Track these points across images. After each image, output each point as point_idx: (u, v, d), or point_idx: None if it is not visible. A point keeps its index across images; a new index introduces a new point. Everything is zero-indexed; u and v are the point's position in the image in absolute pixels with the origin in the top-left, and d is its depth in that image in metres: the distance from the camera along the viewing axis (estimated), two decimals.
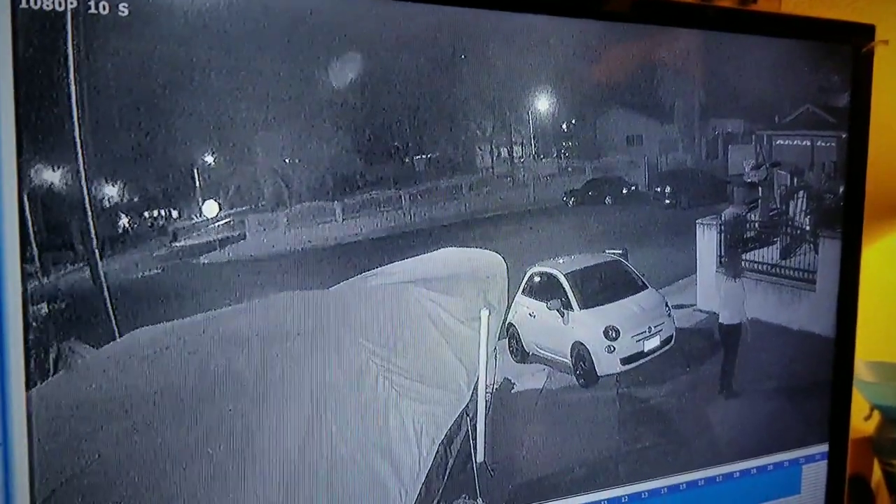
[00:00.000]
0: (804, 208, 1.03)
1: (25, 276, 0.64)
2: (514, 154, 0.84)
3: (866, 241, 1.09)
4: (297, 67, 0.72)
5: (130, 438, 0.68)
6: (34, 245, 0.64)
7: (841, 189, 1.05)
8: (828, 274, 1.06)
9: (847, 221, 1.06)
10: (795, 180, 1.02)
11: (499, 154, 0.83)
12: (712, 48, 0.94)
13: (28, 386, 0.65)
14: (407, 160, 0.78)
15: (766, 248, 1.02)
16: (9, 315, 0.63)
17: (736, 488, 1.03)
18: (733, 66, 0.96)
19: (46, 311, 0.65)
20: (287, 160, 0.72)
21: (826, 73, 1.02)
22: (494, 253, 0.84)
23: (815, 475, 1.09)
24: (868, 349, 1.16)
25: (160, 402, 0.69)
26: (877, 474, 1.42)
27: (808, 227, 1.04)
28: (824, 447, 1.10)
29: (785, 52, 0.99)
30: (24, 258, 0.64)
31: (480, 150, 0.82)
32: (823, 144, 1.03)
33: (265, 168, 0.72)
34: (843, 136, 1.04)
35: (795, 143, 1.02)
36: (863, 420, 1.33)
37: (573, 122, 0.86)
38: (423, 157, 0.79)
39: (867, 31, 1.03)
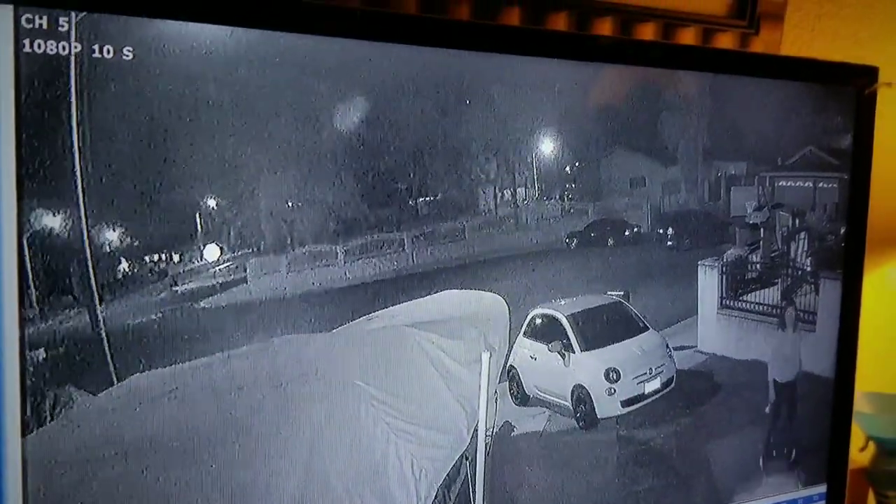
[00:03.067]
0: (805, 249, 1.03)
1: (24, 321, 0.63)
2: (517, 196, 0.84)
3: (866, 273, 1.10)
4: (300, 111, 0.72)
5: (128, 485, 0.68)
6: (33, 289, 0.63)
7: (842, 230, 1.05)
8: (828, 315, 1.07)
9: (848, 263, 1.06)
10: (797, 222, 1.03)
11: (502, 196, 0.83)
12: (715, 90, 0.94)
13: (24, 433, 0.64)
14: (410, 202, 0.78)
15: (767, 289, 1.02)
16: (6, 360, 0.63)
17: None
18: (736, 108, 0.96)
19: (44, 356, 0.64)
20: (289, 203, 0.72)
21: (829, 115, 1.03)
22: (496, 295, 0.84)
23: None
24: (864, 380, 1.16)
25: (159, 448, 0.69)
26: None
27: (809, 268, 1.04)
28: (822, 488, 1.10)
29: (788, 94, 1.00)
30: (23, 303, 0.63)
31: (484, 192, 0.82)
32: (825, 186, 1.03)
33: (267, 212, 0.71)
34: (845, 177, 1.04)
35: (797, 184, 1.02)
36: (858, 451, 1.34)
37: (576, 164, 0.86)
38: (426, 199, 0.78)
39: (870, 73, 1.04)
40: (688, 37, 1.27)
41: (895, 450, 1.35)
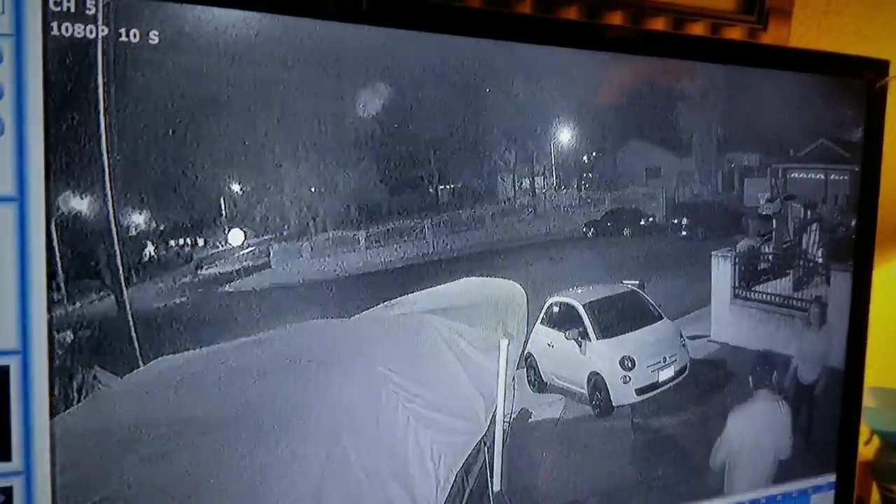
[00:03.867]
0: (817, 240, 1.05)
1: (51, 304, 0.64)
2: (536, 185, 0.85)
3: (875, 267, 1.11)
4: (323, 97, 0.73)
5: (152, 466, 0.68)
6: (60, 273, 0.64)
7: (852, 222, 1.06)
8: (838, 305, 1.08)
9: (858, 254, 1.08)
10: (809, 213, 1.04)
11: (521, 185, 0.84)
12: (730, 83, 0.96)
13: (52, 414, 0.65)
14: (430, 190, 0.79)
15: (778, 280, 1.03)
16: (34, 343, 0.64)
17: None
18: (750, 100, 0.98)
19: (71, 338, 0.65)
20: (313, 189, 0.73)
21: (840, 108, 1.04)
22: (514, 283, 0.86)
23: None
24: (870, 374, 1.17)
25: (182, 429, 0.69)
26: (874, 499, 1.45)
27: (820, 260, 1.05)
28: (832, 477, 1.12)
29: (800, 87, 1.01)
30: (51, 286, 0.64)
31: (503, 180, 0.83)
32: (837, 178, 1.05)
33: (291, 197, 0.72)
34: (856, 169, 1.06)
35: (809, 176, 1.04)
36: (863, 445, 1.35)
37: (593, 154, 0.87)
38: (447, 187, 0.80)
39: (881, 67, 1.05)
40: (697, 31, 1.29)
41: None
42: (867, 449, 1.38)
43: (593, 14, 1.21)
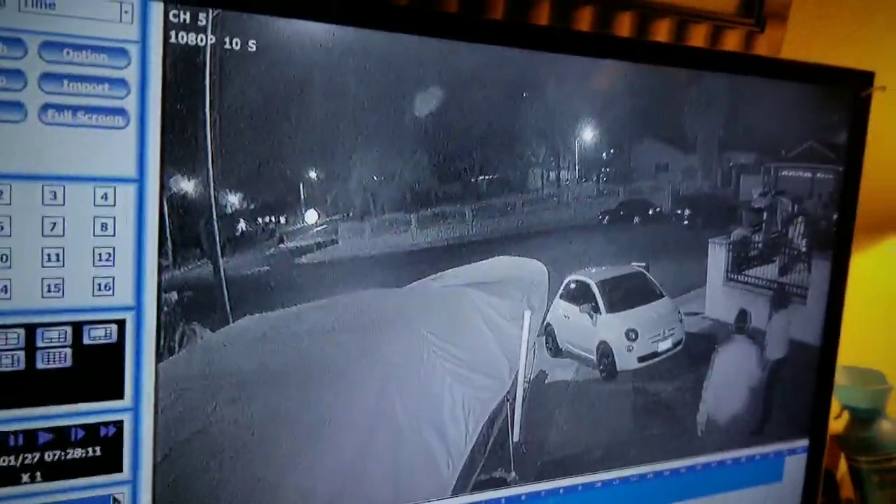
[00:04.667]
0: (802, 231, 1.16)
1: (161, 269, 0.74)
2: (561, 178, 0.94)
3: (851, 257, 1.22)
4: (386, 99, 0.83)
5: (234, 406, 0.79)
6: (169, 242, 0.74)
7: (834, 216, 1.17)
8: (818, 289, 1.18)
9: (837, 244, 1.18)
10: (796, 207, 1.14)
11: (548, 177, 0.94)
12: (731, 90, 1.05)
13: (158, 359, 0.75)
14: (472, 181, 0.89)
15: (767, 266, 1.14)
16: (146, 301, 0.74)
17: (728, 474, 1.15)
18: (748, 105, 1.06)
19: (176, 298, 0.76)
20: (374, 177, 0.84)
21: (828, 114, 1.13)
22: (538, 262, 0.95)
23: (795, 466, 1.22)
24: (843, 355, 1.28)
25: (260, 377, 0.80)
26: (842, 469, 1.55)
27: (803, 248, 1.16)
28: (805, 441, 1.22)
29: (792, 93, 1.10)
30: (161, 253, 0.74)
31: (533, 173, 0.92)
32: (822, 176, 1.14)
33: (356, 184, 0.83)
34: (840, 170, 1.16)
35: (798, 174, 1.13)
36: (833, 420, 1.46)
37: (611, 151, 0.97)
38: (485, 178, 0.89)
39: (866, 78, 1.15)
40: (699, 32, 1.36)
41: (866, 418, 1.45)
42: (837, 423, 1.47)
43: (606, 14, 1.30)
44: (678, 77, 1.02)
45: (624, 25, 1.30)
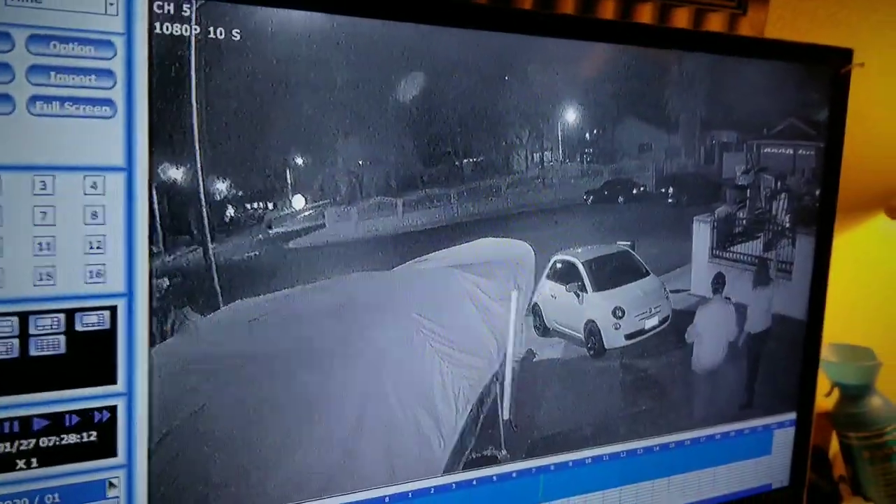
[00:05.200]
0: (785, 208, 1.17)
1: (152, 255, 0.75)
2: (545, 159, 0.96)
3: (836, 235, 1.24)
4: (369, 84, 0.84)
5: (227, 389, 0.80)
6: (159, 230, 0.75)
7: (817, 192, 1.19)
8: (802, 265, 1.20)
9: (821, 220, 1.20)
10: (779, 184, 1.16)
11: (532, 159, 0.95)
12: (712, 69, 1.06)
13: (151, 344, 0.76)
14: (456, 163, 0.90)
15: (751, 242, 1.16)
16: (138, 287, 0.75)
17: (717, 448, 1.17)
18: (730, 84, 1.08)
19: (167, 284, 0.77)
20: (360, 162, 0.85)
21: (808, 91, 1.14)
22: (524, 243, 0.96)
23: (784, 439, 1.24)
24: (831, 332, 1.30)
25: (252, 360, 0.81)
26: (834, 446, 1.57)
27: (787, 225, 1.18)
28: (793, 415, 1.24)
29: (774, 72, 1.11)
30: (152, 240, 0.75)
31: (517, 155, 0.94)
32: (804, 153, 1.16)
33: (342, 169, 0.84)
34: (822, 146, 1.17)
35: (780, 151, 1.14)
36: (823, 397, 1.48)
37: (595, 131, 0.98)
38: (470, 160, 0.91)
39: (845, 55, 1.17)
40: (682, 15, 1.37)
41: (856, 395, 1.47)
42: (828, 400, 1.49)
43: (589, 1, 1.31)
44: (660, 58, 1.03)
45: (608, 9, 1.31)
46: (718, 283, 1.12)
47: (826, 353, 1.41)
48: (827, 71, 1.16)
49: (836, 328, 1.36)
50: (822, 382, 1.42)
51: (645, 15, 1.33)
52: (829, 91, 1.16)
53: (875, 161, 1.59)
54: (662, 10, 1.35)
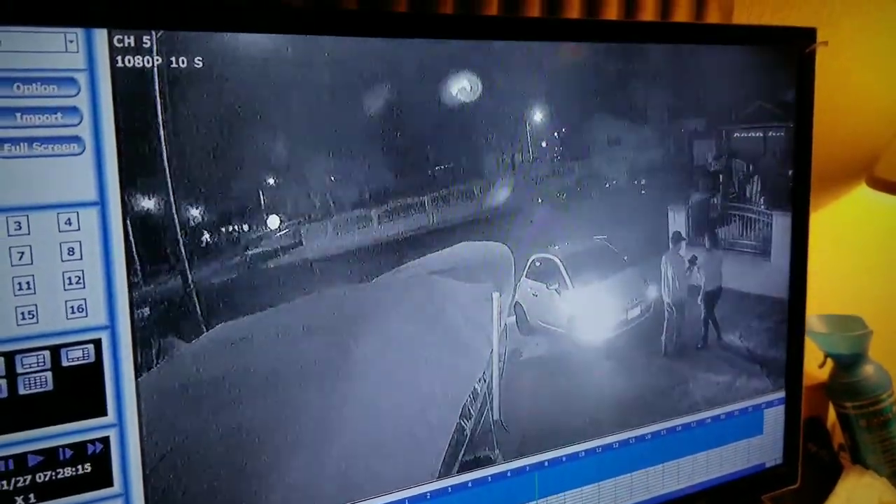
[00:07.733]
0: (759, 190, 1.18)
1: (131, 286, 0.77)
2: (516, 160, 0.96)
3: (816, 210, 1.25)
4: (337, 102, 0.85)
5: (217, 413, 0.82)
6: (137, 260, 0.77)
7: (790, 172, 1.20)
8: (780, 245, 1.21)
9: (795, 199, 1.21)
10: (751, 167, 1.17)
11: (502, 160, 0.96)
12: (678, 57, 1.07)
13: (137, 375, 0.78)
14: (428, 171, 0.91)
15: (727, 227, 1.17)
16: (119, 318, 0.77)
17: (709, 432, 1.18)
18: (696, 71, 1.09)
19: (148, 313, 0.78)
20: (332, 178, 0.86)
21: (775, 73, 1.15)
22: (502, 244, 0.98)
23: (774, 418, 1.25)
24: (817, 306, 1.32)
25: (239, 381, 0.83)
26: (832, 416, 1.58)
27: (762, 206, 1.19)
28: (782, 393, 1.26)
29: (740, 56, 1.12)
30: (130, 271, 0.76)
31: (488, 158, 0.94)
32: (774, 135, 1.17)
33: (315, 186, 0.85)
34: (791, 126, 1.19)
35: (750, 135, 1.16)
36: (818, 368, 1.49)
37: (563, 129, 0.99)
38: (442, 167, 0.92)
39: (809, 34, 1.18)
40: (648, 4, 1.39)
41: (849, 364, 1.47)
42: (822, 371, 1.51)
43: None
44: (623, 51, 1.04)
45: (573, 3, 1.31)
46: (693, 263, 1.13)
47: (815, 325, 1.43)
48: (792, 51, 1.17)
49: (826, 300, 1.38)
50: (817, 354, 1.45)
51: (611, 4, 1.33)
52: (796, 71, 1.17)
53: (851, 134, 1.61)
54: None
